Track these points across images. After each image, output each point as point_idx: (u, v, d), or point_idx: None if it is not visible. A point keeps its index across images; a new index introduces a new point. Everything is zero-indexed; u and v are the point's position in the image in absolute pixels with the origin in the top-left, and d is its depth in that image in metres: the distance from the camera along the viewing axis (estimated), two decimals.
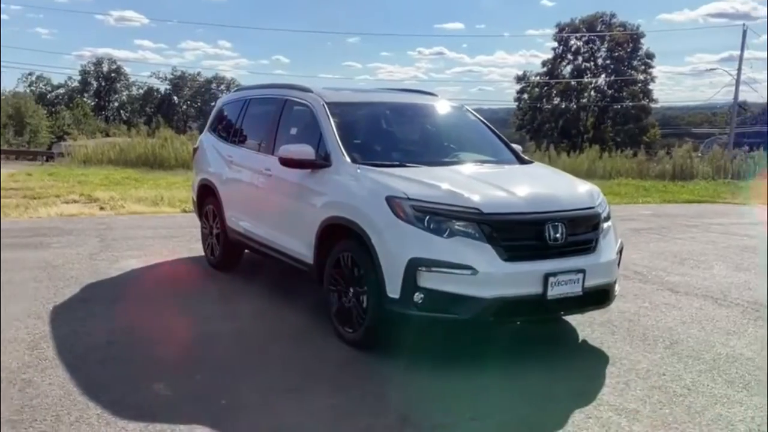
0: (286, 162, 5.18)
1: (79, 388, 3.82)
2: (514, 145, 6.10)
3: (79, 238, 8.45)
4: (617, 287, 4.83)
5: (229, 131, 6.92)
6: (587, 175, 22.05)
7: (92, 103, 75.19)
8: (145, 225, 9.71)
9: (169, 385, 3.92)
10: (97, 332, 4.80)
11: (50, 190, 13.98)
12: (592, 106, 57.84)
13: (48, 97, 74.24)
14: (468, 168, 5.27)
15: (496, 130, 6.24)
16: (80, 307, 5.43)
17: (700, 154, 29.13)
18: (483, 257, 4.14)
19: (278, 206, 5.66)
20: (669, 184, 20.54)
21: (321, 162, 5.09)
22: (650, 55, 56.24)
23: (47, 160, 30.26)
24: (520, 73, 62.06)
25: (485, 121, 6.32)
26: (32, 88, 73.64)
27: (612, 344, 4.84)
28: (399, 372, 4.24)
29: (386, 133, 5.92)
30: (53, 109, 64.57)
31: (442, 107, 6.29)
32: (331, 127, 5.25)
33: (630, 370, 4.34)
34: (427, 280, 4.14)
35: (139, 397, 3.74)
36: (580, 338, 4.99)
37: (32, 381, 3.92)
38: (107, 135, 33.00)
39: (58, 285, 6.06)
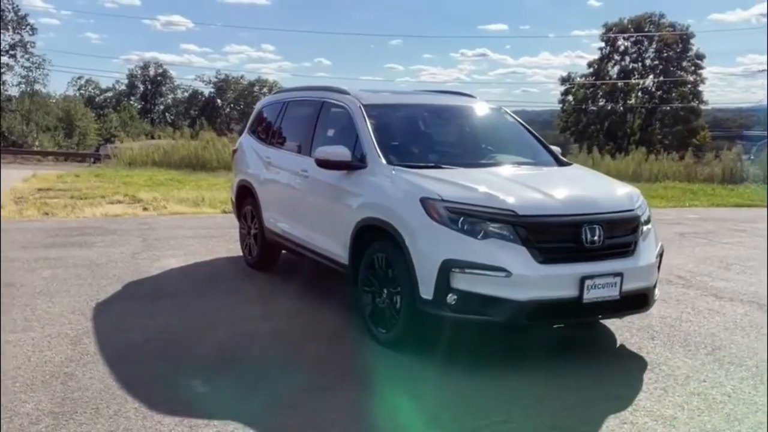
0: (323, 163, 5.23)
1: (118, 383, 3.92)
2: (552, 147, 6.03)
3: (123, 237, 8.66)
4: (657, 291, 4.73)
5: (268, 133, 7.01)
6: (632, 178, 21.65)
7: (138, 106, 76.93)
8: (186, 225, 9.90)
9: (204, 381, 3.99)
10: (137, 329, 4.92)
11: (96, 190, 14.36)
12: (639, 107, 56.72)
13: (96, 100, 76.26)
14: (504, 170, 5.23)
15: (534, 132, 6.18)
16: (121, 305, 5.57)
17: (751, 157, 28.32)
18: (517, 259, 4.10)
19: (314, 207, 5.71)
20: (717, 188, 19.99)
21: (357, 163, 5.12)
22: (700, 56, 54.89)
23: (94, 162, 31.08)
24: (565, 74, 61.23)
25: (523, 123, 6.26)
26: (81, 91, 75.79)
27: (651, 349, 4.74)
28: (431, 373, 4.23)
29: (423, 134, 5.92)
30: (101, 112, 66.27)
31: (480, 109, 6.26)
32: (367, 128, 5.28)
33: (669, 375, 4.25)
34: (461, 281, 4.13)
35: (176, 392, 3.82)
36: (618, 343, 4.90)
37: (74, 375, 4.03)
38: (152, 137, 33.71)
39: (101, 283, 6.21)
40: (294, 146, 6.35)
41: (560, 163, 5.71)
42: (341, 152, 5.13)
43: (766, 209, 14.41)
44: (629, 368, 4.42)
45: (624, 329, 5.13)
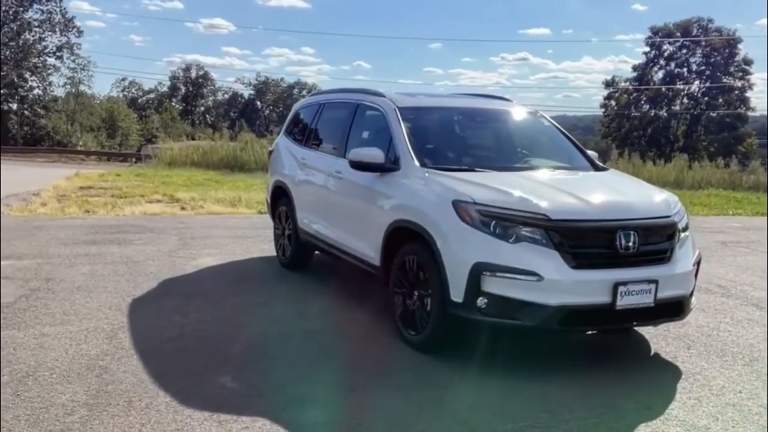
0: (357, 165, 5.25)
1: (150, 377, 3.99)
2: (589, 152, 5.95)
3: (160, 236, 8.82)
4: (693, 300, 4.63)
5: (304, 134, 7.07)
6: (674, 185, 21.27)
7: (180, 108, 78.41)
8: (222, 225, 10.03)
9: (235, 378, 4.03)
10: (171, 325, 5.00)
11: (136, 189, 14.67)
12: (684, 113, 55.61)
13: (139, 101, 78.03)
14: (539, 174, 5.18)
15: (570, 136, 6.11)
16: (157, 301, 5.67)
17: None
18: (549, 264, 4.06)
19: (348, 208, 5.74)
20: (763, 196, 19.48)
21: (390, 166, 5.13)
22: (748, 61, 53.68)
23: (136, 162, 31.78)
24: (608, 78, 60.36)
25: (560, 127, 6.20)
26: (125, 93, 77.65)
27: (686, 359, 4.64)
28: (461, 376, 4.20)
29: (457, 137, 5.91)
30: (143, 113, 67.74)
31: (515, 112, 6.21)
32: (401, 131, 5.28)
33: (704, 385, 4.15)
34: (492, 285, 4.10)
35: (207, 388, 3.87)
36: (653, 351, 4.81)
37: (108, 368, 4.12)
38: (192, 138, 34.29)
39: (137, 280, 6.34)
40: (329, 148, 6.39)
41: (596, 168, 5.63)
42: (375, 154, 5.15)
43: None
44: (663, 377, 4.33)
45: (659, 337, 5.03)
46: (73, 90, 51.38)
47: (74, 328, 4.83)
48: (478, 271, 4.11)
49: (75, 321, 5.01)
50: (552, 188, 4.62)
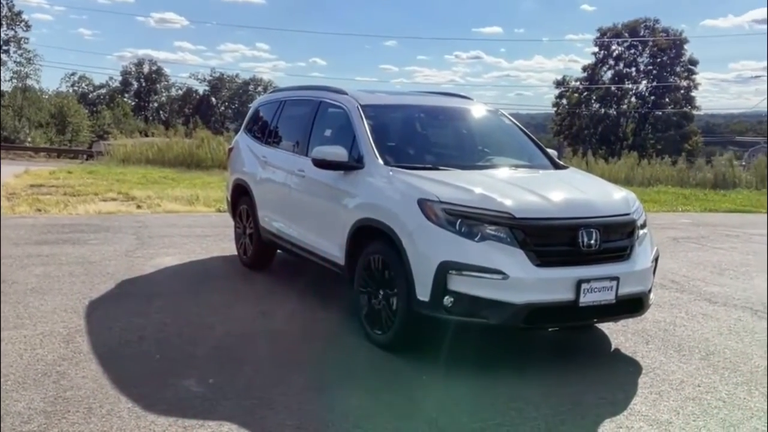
0: (319, 163, 5.21)
1: (111, 382, 3.88)
2: (549, 150, 6.03)
3: (116, 235, 8.61)
4: (652, 296, 4.72)
5: (264, 132, 6.98)
6: (625, 182, 21.73)
7: (132, 104, 76.75)
8: (181, 224, 9.85)
9: (199, 382, 3.95)
10: (131, 328, 4.88)
11: (89, 188, 14.28)
12: (632, 112, 56.92)
13: (90, 96, 76.06)
14: (501, 172, 5.22)
15: (531, 135, 6.17)
16: (115, 303, 5.53)
17: (743, 163, 28.45)
18: (514, 262, 4.10)
19: (311, 207, 5.69)
20: (710, 193, 20.09)
21: (354, 164, 5.10)
22: (693, 62, 55.19)
23: (87, 159, 30.95)
24: (559, 78, 61.41)
25: (520, 126, 6.26)
26: (75, 88, 75.61)
27: (646, 354, 4.74)
28: (428, 375, 4.21)
29: (420, 136, 5.91)
30: (94, 109, 66.06)
31: (477, 111, 6.25)
32: (364, 129, 5.26)
33: (663, 380, 4.25)
34: (458, 283, 4.12)
35: (170, 393, 3.78)
36: (613, 347, 4.91)
37: (66, 373, 3.99)
38: (146, 135, 33.58)
39: (94, 281, 6.17)
40: (290, 146, 6.32)
41: (557, 167, 5.70)
42: (338, 152, 5.11)
43: (763, 215, 14.49)
44: (624, 372, 4.41)
45: (619, 333, 5.13)
46: (20, 84, 49.88)
47: (29, 332, 4.67)
48: (444, 270, 4.12)
49: (29, 325, 4.85)
50: (515, 186, 4.66)
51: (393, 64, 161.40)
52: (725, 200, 18.07)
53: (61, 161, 30.78)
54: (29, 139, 43.95)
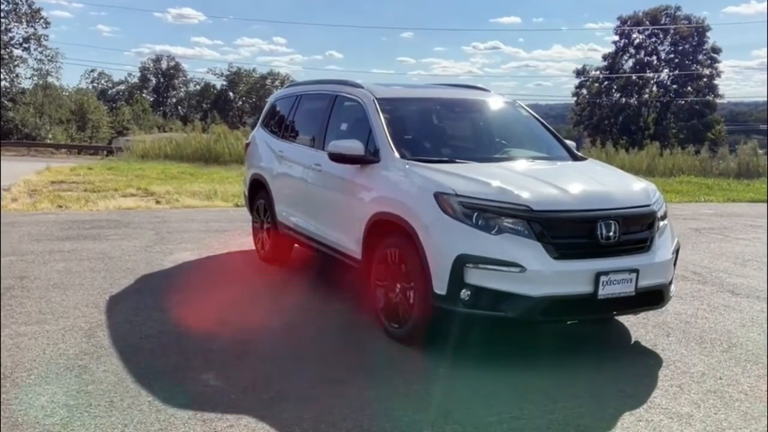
0: (336, 157, 5.20)
1: (131, 376, 3.93)
2: (567, 142, 5.98)
3: (136, 230, 8.70)
4: (673, 288, 4.68)
5: (281, 126, 7.00)
6: (647, 172, 21.52)
7: (151, 99, 77.21)
8: (199, 218, 9.92)
9: (218, 375, 3.98)
10: (151, 322, 4.93)
11: (109, 183, 14.45)
12: (654, 101, 56.22)
13: (109, 93, 76.70)
14: (519, 164, 5.19)
15: (549, 126, 6.12)
16: (135, 298, 5.59)
17: None
18: (532, 255, 4.07)
19: (327, 201, 5.70)
20: (733, 183, 19.80)
21: (370, 157, 5.09)
22: (716, 49, 54.32)
23: (107, 155, 31.27)
24: (579, 67, 60.78)
25: (538, 117, 6.21)
26: (94, 84, 76.23)
27: (666, 346, 4.70)
28: (444, 368, 4.20)
29: (436, 128, 5.88)
30: (114, 105, 66.58)
31: (494, 103, 6.21)
32: (380, 122, 5.25)
33: (684, 373, 4.21)
34: (475, 276, 4.10)
35: (189, 386, 3.82)
36: (633, 339, 4.86)
37: (88, 367, 4.04)
38: (164, 130, 33.83)
39: (114, 276, 6.24)
40: (307, 140, 6.33)
41: (575, 158, 5.65)
42: (354, 146, 5.10)
43: None
44: (644, 365, 4.37)
45: (639, 326, 5.09)
46: (41, 82, 50.42)
47: (51, 327, 4.74)
48: (461, 263, 4.11)
49: (51, 320, 4.91)
50: (532, 179, 4.63)
51: (410, 56, 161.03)
52: (749, 190, 17.80)
53: (81, 158, 31.16)
54: (50, 136, 44.45)
